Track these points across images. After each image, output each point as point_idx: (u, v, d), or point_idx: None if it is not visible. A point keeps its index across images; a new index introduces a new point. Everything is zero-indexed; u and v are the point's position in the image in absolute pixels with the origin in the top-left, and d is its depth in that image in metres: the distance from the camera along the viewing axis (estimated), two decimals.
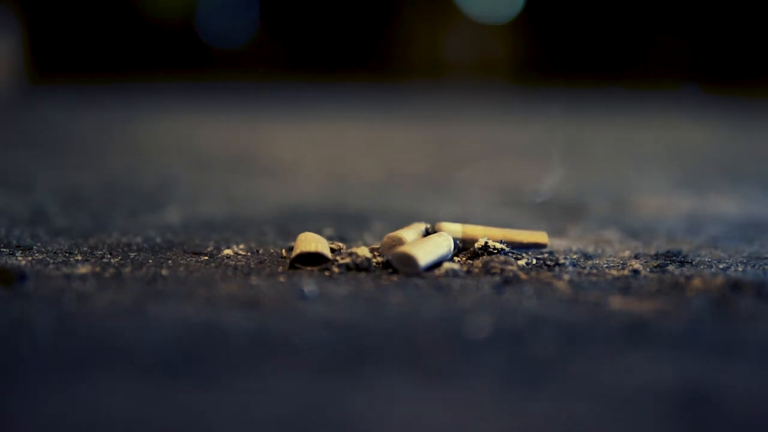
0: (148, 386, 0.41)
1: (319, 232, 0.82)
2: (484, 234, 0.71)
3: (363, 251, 0.66)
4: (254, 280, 0.62)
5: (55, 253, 0.70)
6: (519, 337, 0.50)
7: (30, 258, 0.68)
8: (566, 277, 0.65)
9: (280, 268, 0.66)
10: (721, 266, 0.69)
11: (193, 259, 0.70)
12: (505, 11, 5.98)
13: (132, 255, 0.70)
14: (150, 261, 0.68)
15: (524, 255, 0.71)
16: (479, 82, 5.38)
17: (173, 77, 5.06)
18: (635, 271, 0.67)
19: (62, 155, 1.63)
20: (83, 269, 0.64)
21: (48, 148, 1.77)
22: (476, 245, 0.69)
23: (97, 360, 0.45)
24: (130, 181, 1.25)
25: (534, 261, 0.69)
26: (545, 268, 0.68)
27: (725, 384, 0.43)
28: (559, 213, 1.01)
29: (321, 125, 2.52)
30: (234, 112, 2.94)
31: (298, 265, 0.66)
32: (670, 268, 0.68)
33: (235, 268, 0.66)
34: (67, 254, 0.70)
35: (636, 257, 0.73)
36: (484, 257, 0.68)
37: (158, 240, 0.78)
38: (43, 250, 0.72)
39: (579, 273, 0.66)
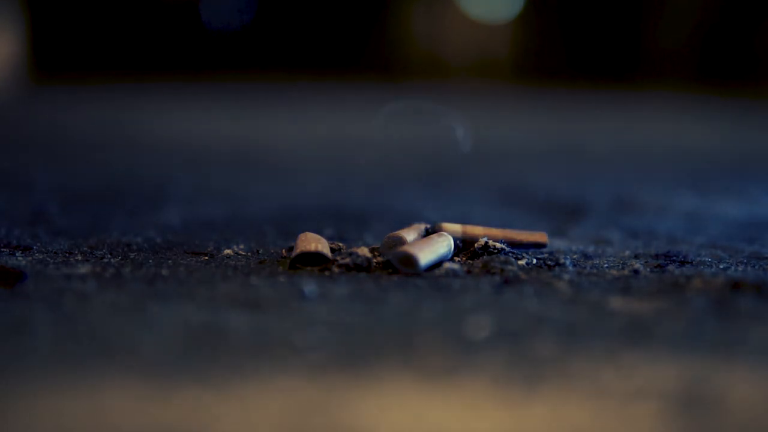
0: (148, 386, 0.41)
1: (319, 232, 0.82)
2: (484, 234, 0.71)
3: (363, 251, 0.66)
4: (254, 280, 0.62)
5: (55, 253, 0.70)
6: (519, 337, 0.50)
7: (30, 258, 0.68)
8: (566, 277, 0.65)
9: (280, 268, 0.66)
10: (721, 266, 0.69)
11: (193, 259, 0.70)
12: (506, 11, 5.98)
13: (132, 255, 0.70)
14: (150, 261, 0.68)
15: (524, 255, 0.71)
16: (479, 82, 5.38)
17: (173, 76, 5.06)
18: (635, 271, 0.67)
19: (62, 155, 1.63)
20: (83, 269, 0.64)
21: (48, 148, 1.77)
22: (476, 245, 0.69)
23: (97, 360, 0.45)
24: (130, 181, 1.25)
25: (534, 261, 0.69)
26: (545, 268, 0.68)
27: (725, 384, 0.43)
28: (559, 213, 1.01)
29: (321, 124, 2.52)
30: (234, 111, 2.94)
31: (298, 265, 0.66)
32: (670, 268, 0.68)
33: (235, 268, 0.66)
34: (67, 254, 0.70)
35: (636, 257, 0.73)
36: (484, 257, 0.68)
37: (158, 240, 0.78)
38: (43, 250, 0.72)
39: (579, 273, 0.66)
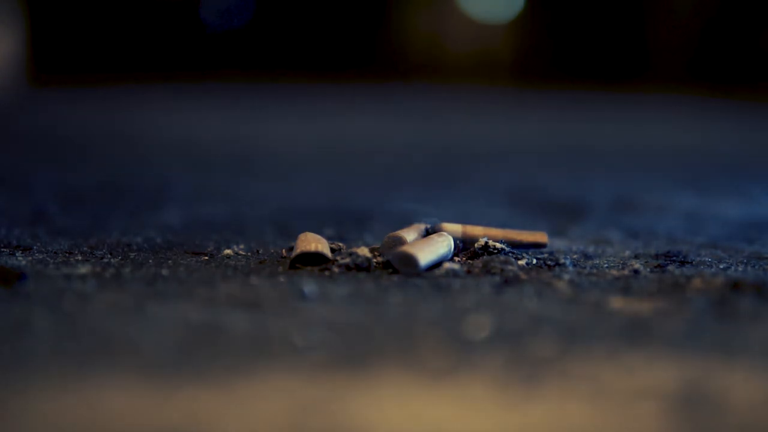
0: (148, 386, 0.41)
1: (319, 232, 0.82)
2: (484, 234, 0.71)
3: (363, 251, 0.66)
4: (254, 280, 0.62)
5: (55, 253, 0.70)
6: (519, 337, 0.50)
7: (30, 258, 0.68)
8: (566, 277, 0.65)
9: (280, 268, 0.66)
10: (721, 266, 0.69)
11: (193, 259, 0.70)
12: (506, 10, 5.98)
13: (132, 255, 0.70)
14: (150, 261, 0.68)
15: (524, 255, 0.71)
16: (479, 82, 5.39)
17: (173, 76, 5.07)
18: (635, 271, 0.67)
19: (62, 155, 1.63)
20: (83, 269, 0.64)
21: (48, 148, 1.77)
22: (476, 245, 0.69)
23: (97, 360, 0.45)
24: (130, 181, 1.25)
25: (534, 261, 0.69)
26: (545, 268, 0.68)
27: (725, 384, 0.43)
28: (559, 213, 1.01)
29: (321, 125, 2.52)
30: (234, 111, 2.94)
31: (298, 265, 0.66)
32: (670, 268, 0.68)
33: (235, 268, 0.66)
34: (67, 254, 0.70)
35: (636, 257, 0.73)
36: (484, 257, 0.68)
37: (158, 240, 0.78)
38: (43, 250, 0.72)
39: (579, 273, 0.66)
